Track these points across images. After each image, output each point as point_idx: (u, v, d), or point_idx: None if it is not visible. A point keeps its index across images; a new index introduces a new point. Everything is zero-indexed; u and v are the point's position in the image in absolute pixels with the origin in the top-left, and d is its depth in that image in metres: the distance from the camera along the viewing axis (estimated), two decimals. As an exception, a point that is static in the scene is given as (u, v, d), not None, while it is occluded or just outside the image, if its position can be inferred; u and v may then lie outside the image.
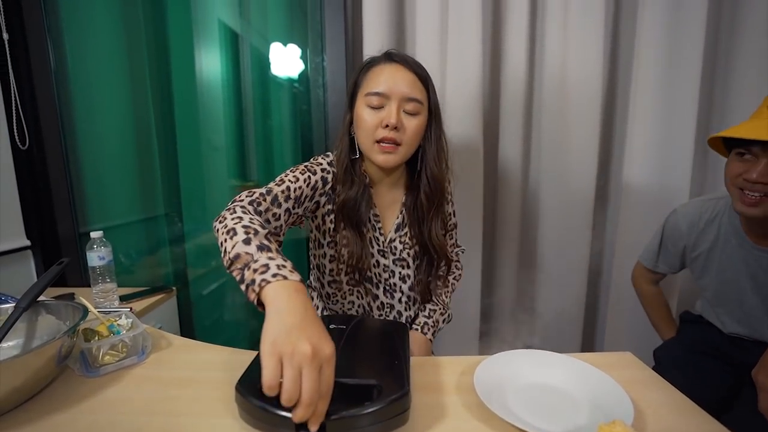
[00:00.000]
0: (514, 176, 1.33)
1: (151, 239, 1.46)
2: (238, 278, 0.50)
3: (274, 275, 0.46)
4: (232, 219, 0.56)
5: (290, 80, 1.47)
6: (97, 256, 0.99)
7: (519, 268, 1.39)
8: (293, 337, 0.40)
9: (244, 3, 1.49)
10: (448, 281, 0.93)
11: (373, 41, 1.20)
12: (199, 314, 1.48)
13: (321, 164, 0.76)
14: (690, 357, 0.96)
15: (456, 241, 0.96)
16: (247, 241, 0.51)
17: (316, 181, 0.73)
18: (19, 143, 1.19)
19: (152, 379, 0.62)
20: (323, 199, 0.77)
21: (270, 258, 0.49)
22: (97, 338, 0.65)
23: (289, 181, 0.70)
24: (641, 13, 1.19)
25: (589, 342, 1.44)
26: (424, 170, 0.76)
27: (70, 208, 1.29)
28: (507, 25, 1.25)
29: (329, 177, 0.75)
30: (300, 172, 0.72)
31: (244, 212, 0.58)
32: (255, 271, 0.47)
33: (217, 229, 0.57)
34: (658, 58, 1.19)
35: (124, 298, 1.08)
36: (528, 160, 1.34)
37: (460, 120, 1.25)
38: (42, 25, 1.22)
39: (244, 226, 0.54)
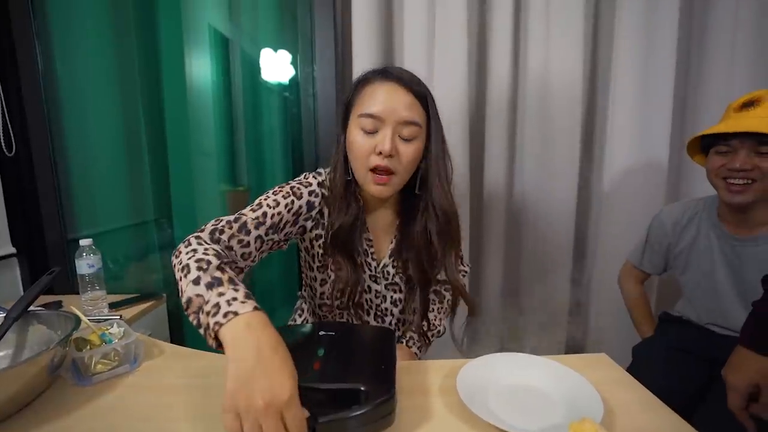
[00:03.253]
0: (499, 183, 1.37)
1: (141, 245, 1.45)
2: (195, 324, 0.49)
3: (225, 314, 0.45)
4: (187, 254, 0.54)
5: (280, 87, 1.49)
6: (86, 264, 0.99)
7: (504, 274, 1.43)
8: (247, 390, 0.40)
9: (234, 8, 1.50)
10: (444, 297, 0.90)
11: (363, 52, 1.23)
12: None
13: (310, 185, 0.72)
14: (666, 353, 1.00)
15: (460, 257, 0.89)
16: (196, 281, 0.49)
17: (300, 206, 0.70)
18: (5, 150, 1.18)
19: (145, 386, 0.64)
20: (309, 224, 0.73)
21: (220, 294, 0.48)
22: (89, 347, 0.66)
23: (267, 206, 0.67)
24: (618, 22, 1.25)
25: (573, 342, 1.49)
26: (429, 202, 0.70)
27: (58, 214, 1.29)
28: (492, 34, 1.30)
29: (317, 201, 0.71)
30: (283, 196, 0.68)
31: (198, 243, 0.56)
32: (208, 314, 0.47)
33: (174, 265, 0.55)
34: (634, 65, 1.25)
35: (113, 306, 1.08)
36: (512, 167, 1.39)
37: (447, 129, 1.28)
38: (30, 29, 1.22)
39: (197, 260, 0.52)
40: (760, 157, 0.81)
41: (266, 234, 0.66)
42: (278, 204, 0.68)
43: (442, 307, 0.90)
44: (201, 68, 1.46)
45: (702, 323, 1.00)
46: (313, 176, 0.74)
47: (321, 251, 0.75)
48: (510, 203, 1.40)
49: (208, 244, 0.57)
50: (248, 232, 0.65)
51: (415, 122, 0.66)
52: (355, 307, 0.77)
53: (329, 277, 0.76)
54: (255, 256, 0.67)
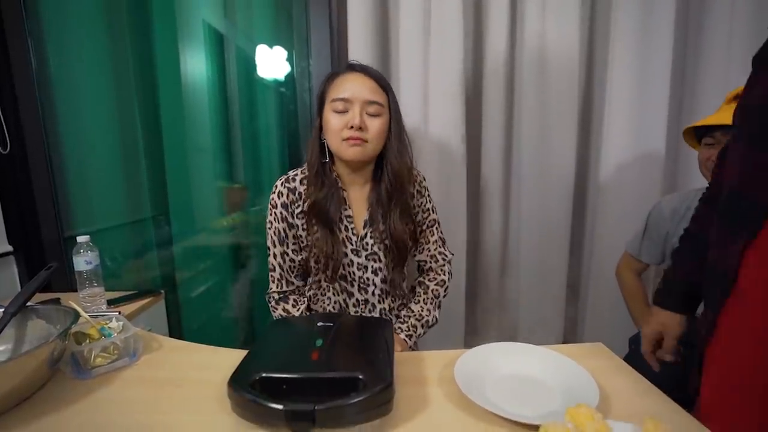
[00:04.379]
0: (496, 176, 1.37)
1: (139, 242, 1.45)
2: None
3: None
4: (277, 313, 0.88)
5: (276, 83, 1.49)
6: (84, 261, 0.99)
7: (503, 265, 1.44)
8: None
9: (228, 5, 1.50)
10: (428, 288, 0.93)
11: (358, 46, 1.22)
12: (188, 317, 1.48)
13: (276, 190, 0.85)
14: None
15: (441, 240, 0.96)
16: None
17: (281, 212, 0.84)
18: (0, 148, 1.17)
19: (144, 379, 0.64)
20: (296, 219, 0.85)
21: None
22: (88, 341, 0.66)
23: (272, 233, 0.85)
24: (614, 21, 1.24)
25: (571, 333, 1.50)
26: (386, 166, 0.83)
27: (54, 212, 1.28)
28: (488, 21, 1.29)
29: (285, 198, 0.84)
30: (272, 216, 0.85)
31: (273, 309, 0.89)
32: None
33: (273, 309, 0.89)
34: (631, 62, 1.25)
35: (111, 302, 1.08)
36: (509, 159, 1.39)
37: (443, 120, 1.28)
38: (22, 27, 1.21)
39: (280, 314, 0.87)
40: None
41: (281, 244, 0.85)
42: (272, 224, 0.85)
43: (427, 297, 0.92)
44: (196, 65, 1.45)
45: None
46: (277, 183, 0.86)
47: (305, 231, 0.85)
48: (506, 195, 1.41)
49: (286, 302, 0.88)
50: (275, 256, 0.86)
51: (378, 102, 0.79)
52: (339, 279, 0.87)
53: (310, 253, 0.86)
54: (301, 255, 0.87)
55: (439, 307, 0.93)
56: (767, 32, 1.22)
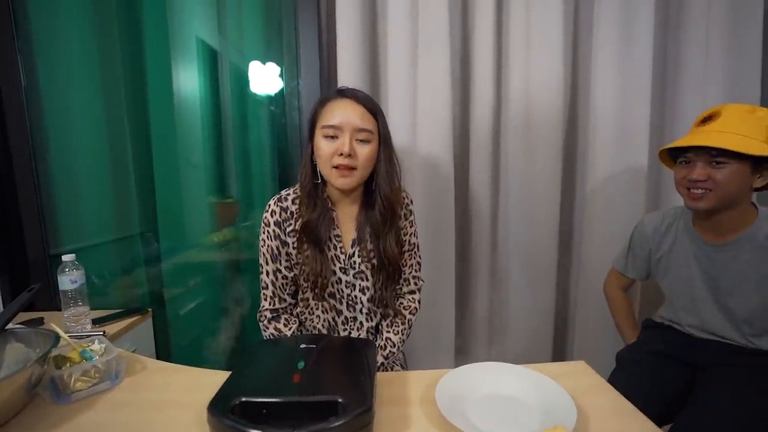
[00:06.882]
0: (484, 194, 1.38)
1: (126, 260, 1.44)
2: None
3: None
4: (269, 333, 0.88)
5: (267, 100, 1.51)
6: (68, 280, 0.98)
7: (492, 283, 1.45)
8: None
9: (221, 21, 1.52)
10: (406, 318, 0.94)
11: (347, 65, 1.25)
12: (176, 335, 1.47)
13: (269, 209, 0.87)
14: (648, 358, 1.03)
15: (418, 264, 0.97)
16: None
17: (274, 230, 0.86)
18: (-13, 165, 1.17)
19: (126, 403, 0.63)
20: (289, 238, 0.86)
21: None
22: (68, 365, 0.66)
23: (264, 251, 0.86)
24: (596, 34, 1.29)
25: (560, 350, 1.50)
26: (377, 190, 0.85)
27: (40, 229, 1.27)
28: (474, 50, 1.33)
29: (278, 216, 0.86)
30: (264, 234, 0.86)
31: (264, 328, 0.89)
32: None
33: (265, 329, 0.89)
34: (613, 78, 1.29)
35: (97, 321, 1.07)
36: (497, 178, 1.41)
37: (432, 139, 1.30)
38: (13, 44, 1.22)
39: (271, 333, 0.87)
40: (714, 169, 0.87)
41: (274, 261, 0.87)
42: (264, 242, 0.87)
43: (405, 328, 0.94)
44: (188, 80, 1.47)
45: (683, 328, 1.03)
46: (271, 202, 0.88)
47: (296, 249, 0.86)
48: (494, 214, 1.42)
49: (278, 321, 0.89)
50: (268, 274, 0.87)
51: (368, 129, 0.80)
52: (328, 297, 0.88)
53: (301, 270, 0.87)
54: (293, 274, 0.87)
55: (405, 333, 0.96)
56: (740, 51, 1.29)
